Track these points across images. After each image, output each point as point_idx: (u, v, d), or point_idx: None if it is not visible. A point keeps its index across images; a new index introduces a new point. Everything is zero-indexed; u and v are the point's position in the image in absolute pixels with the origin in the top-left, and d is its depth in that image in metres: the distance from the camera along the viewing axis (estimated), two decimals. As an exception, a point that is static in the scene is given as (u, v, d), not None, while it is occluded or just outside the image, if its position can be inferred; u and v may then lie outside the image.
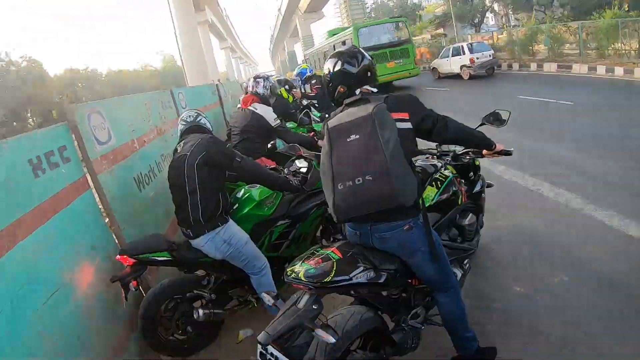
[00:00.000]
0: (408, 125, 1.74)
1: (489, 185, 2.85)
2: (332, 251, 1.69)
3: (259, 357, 1.49)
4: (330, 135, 1.74)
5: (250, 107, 3.68)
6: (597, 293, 2.52)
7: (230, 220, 2.44)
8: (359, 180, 1.59)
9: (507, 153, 2.09)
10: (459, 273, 2.27)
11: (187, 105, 4.91)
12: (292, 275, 1.58)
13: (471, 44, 15.39)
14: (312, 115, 5.42)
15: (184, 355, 2.56)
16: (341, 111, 1.83)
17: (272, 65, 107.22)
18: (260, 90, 3.83)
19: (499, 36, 19.82)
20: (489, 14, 32.17)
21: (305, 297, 1.54)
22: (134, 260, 2.24)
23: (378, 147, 1.59)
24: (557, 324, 2.31)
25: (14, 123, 26.53)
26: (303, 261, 1.64)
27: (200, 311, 2.43)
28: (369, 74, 1.90)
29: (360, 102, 1.78)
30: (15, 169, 1.74)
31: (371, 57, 1.96)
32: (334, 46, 15.90)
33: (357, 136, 1.64)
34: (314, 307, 1.50)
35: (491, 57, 14.76)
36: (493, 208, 3.58)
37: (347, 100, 1.84)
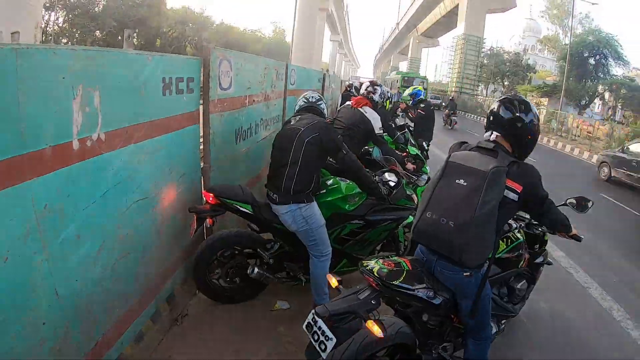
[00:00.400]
0: (516, 197, 1.74)
1: (549, 263, 2.83)
2: (404, 261, 1.85)
3: (305, 327, 1.64)
4: (446, 166, 1.82)
5: (361, 109, 3.75)
6: None
7: (315, 201, 2.53)
8: (443, 220, 1.70)
9: (578, 239, 2.20)
10: (494, 328, 2.32)
11: (295, 83, 5.10)
12: (367, 268, 1.75)
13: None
14: (409, 138, 5.39)
15: (221, 301, 2.69)
16: (470, 150, 1.90)
17: (373, 74, 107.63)
18: (376, 97, 3.90)
19: (601, 126, 18.14)
20: (597, 101, 29.64)
21: (368, 291, 1.71)
22: (218, 201, 2.42)
23: (474, 204, 1.65)
24: None
25: (119, 37, 28.15)
26: (379, 260, 1.81)
27: (256, 269, 2.56)
28: (527, 137, 1.85)
29: (490, 152, 1.80)
30: (151, 81, 1.92)
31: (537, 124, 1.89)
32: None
33: (465, 183, 1.71)
34: (372, 302, 1.68)
35: None
36: (540, 288, 3.47)
37: (480, 143, 1.87)
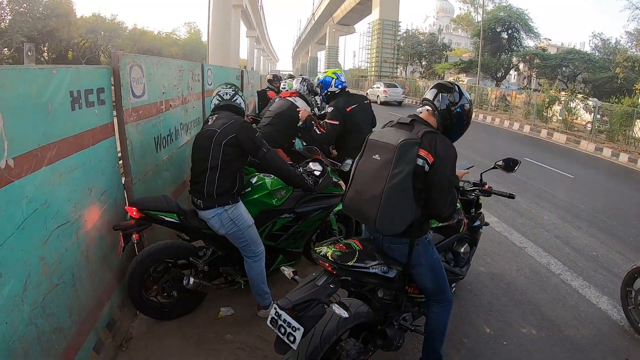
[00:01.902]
0: (427, 167, 1.78)
1: (486, 224, 3.01)
2: (354, 242, 1.93)
3: (269, 323, 1.62)
4: (366, 144, 1.93)
5: (290, 98, 3.75)
6: (558, 351, 2.68)
7: (240, 202, 2.49)
8: (361, 194, 1.83)
9: (511, 196, 2.53)
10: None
11: (212, 83, 4.96)
12: (321, 254, 1.80)
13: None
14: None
15: (161, 318, 2.58)
16: (391, 126, 1.99)
17: (292, 66, 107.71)
18: (299, 87, 3.91)
19: (518, 95, 20.23)
20: (512, 72, 32.88)
21: (325, 276, 1.76)
22: (142, 214, 2.29)
23: (385, 176, 1.73)
24: None
25: (28, 53, 26.09)
26: (330, 244, 1.88)
27: (191, 279, 2.47)
28: (456, 121, 1.91)
29: (406, 126, 1.89)
30: (58, 96, 1.77)
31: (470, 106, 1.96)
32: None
33: (379, 158, 1.80)
34: (331, 286, 1.72)
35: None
36: (479, 254, 3.80)
37: (400, 119, 1.96)
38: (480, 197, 2.81)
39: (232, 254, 2.59)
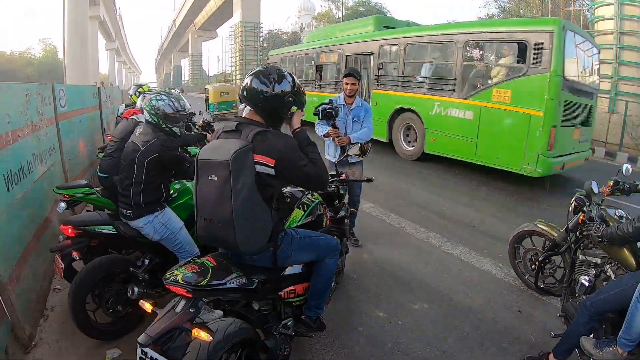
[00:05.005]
0: (272, 171, 1.71)
1: (352, 213, 3.13)
2: (207, 260, 1.83)
3: None
4: (198, 166, 1.77)
5: (134, 117, 3.57)
6: (452, 318, 2.92)
7: (167, 207, 2.60)
8: (211, 222, 1.72)
9: (369, 180, 2.66)
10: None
11: (66, 105, 4.40)
12: (171, 279, 1.65)
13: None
14: None
15: (107, 339, 2.50)
16: (218, 137, 1.84)
17: (156, 77, 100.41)
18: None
19: None
20: None
21: (183, 301, 1.63)
22: (79, 232, 2.39)
23: (229, 195, 1.63)
24: (417, 344, 2.63)
25: None
26: (181, 267, 1.75)
27: (135, 288, 2.45)
28: (280, 108, 1.81)
29: (234, 133, 1.76)
30: None
31: (294, 83, 1.84)
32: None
33: (216, 178, 1.67)
34: (190, 310, 1.61)
35: None
36: (360, 241, 4.00)
37: (225, 127, 1.81)
38: (340, 187, 2.84)
39: (168, 259, 2.64)
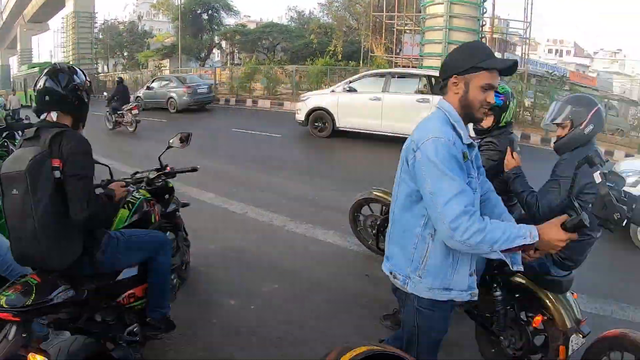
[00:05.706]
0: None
1: (185, 205, 2.99)
2: (31, 277, 1.71)
3: None
4: (1, 181, 1.64)
5: None
6: (304, 293, 2.96)
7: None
8: (19, 239, 1.64)
9: (194, 169, 2.63)
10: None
11: None
12: None
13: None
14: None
15: None
16: (19, 146, 1.72)
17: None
18: None
19: (222, 72, 21.46)
20: (216, 50, 34.45)
21: (14, 328, 1.55)
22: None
23: (29, 210, 1.56)
24: (272, 324, 2.63)
25: None
26: (4, 290, 1.62)
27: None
28: (80, 102, 1.74)
29: (33, 140, 1.65)
30: None
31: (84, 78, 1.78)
32: None
33: (17, 192, 1.58)
34: (23, 335, 1.54)
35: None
36: (203, 234, 3.79)
37: (26, 133, 1.70)
38: (169, 181, 2.72)
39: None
